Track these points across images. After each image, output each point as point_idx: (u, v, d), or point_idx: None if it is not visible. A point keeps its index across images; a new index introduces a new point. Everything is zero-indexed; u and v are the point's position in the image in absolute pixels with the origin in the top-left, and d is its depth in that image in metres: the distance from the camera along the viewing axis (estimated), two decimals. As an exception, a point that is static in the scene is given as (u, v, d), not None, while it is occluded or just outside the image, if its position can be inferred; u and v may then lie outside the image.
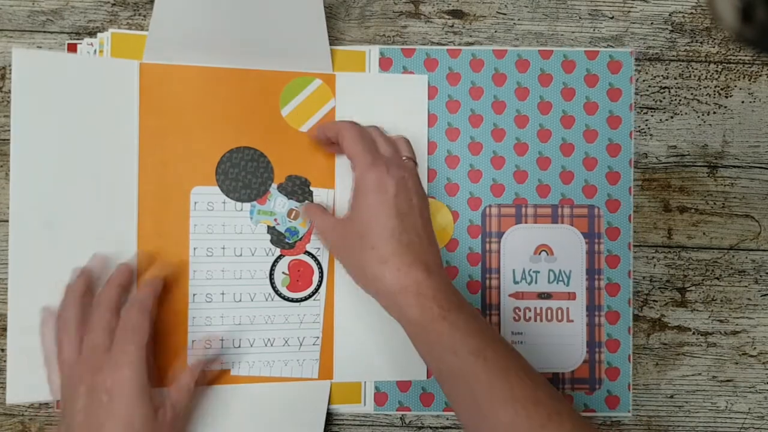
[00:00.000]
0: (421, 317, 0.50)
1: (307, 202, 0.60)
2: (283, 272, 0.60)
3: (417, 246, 0.52)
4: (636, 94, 0.62)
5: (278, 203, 0.60)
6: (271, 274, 0.60)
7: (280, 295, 0.60)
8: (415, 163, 0.58)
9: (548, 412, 0.46)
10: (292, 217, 0.60)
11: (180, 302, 0.59)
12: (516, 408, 0.46)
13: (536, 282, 0.61)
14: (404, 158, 0.57)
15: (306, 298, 0.60)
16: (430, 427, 0.61)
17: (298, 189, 0.60)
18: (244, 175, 0.59)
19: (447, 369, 0.49)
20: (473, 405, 0.48)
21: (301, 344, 0.60)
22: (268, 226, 0.60)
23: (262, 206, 0.60)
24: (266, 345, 0.60)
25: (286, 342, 0.60)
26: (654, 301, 0.62)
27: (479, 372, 0.48)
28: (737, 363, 0.62)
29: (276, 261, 0.60)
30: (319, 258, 0.60)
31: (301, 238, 0.60)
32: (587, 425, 0.48)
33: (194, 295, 0.59)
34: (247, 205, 0.60)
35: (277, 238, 0.60)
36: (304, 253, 0.60)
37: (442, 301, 0.50)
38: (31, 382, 0.55)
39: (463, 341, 0.48)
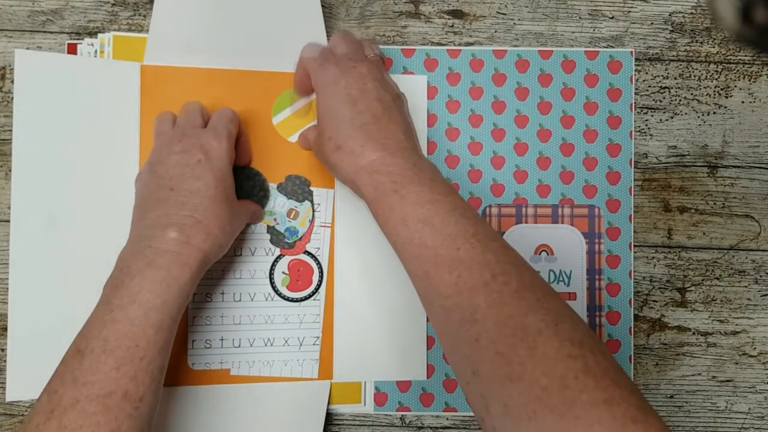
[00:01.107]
0: (375, 193, 0.50)
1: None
2: (283, 272, 0.60)
3: (371, 127, 0.53)
4: (636, 94, 0.62)
5: (278, 203, 0.60)
6: (271, 274, 0.60)
7: (280, 294, 0.60)
8: (382, 59, 0.59)
9: (493, 272, 0.45)
10: (291, 216, 0.60)
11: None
12: (460, 270, 0.46)
13: (536, 282, 0.61)
14: (370, 55, 0.57)
15: (306, 298, 0.60)
16: (430, 428, 0.61)
17: (298, 189, 0.60)
18: (240, 194, 0.59)
19: (400, 241, 0.49)
20: (423, 273, 0.48)
21: (301, 344, 0.60)
22: (268, 226, 0.60)
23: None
24: (266, 345, 0.60)
25: (286, 342, 0.60)
26: (654, 301, 0.62)
27: (426, 238, 0.47)
28: (737, 363, 0.62)
29: (276, 261, 0.60)
30: (319, 258, 0.60)
31: (301, 238, 0.60)
32: (534, 283, 0.46)
33: (194, 294, 0.59)
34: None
35: (276, 237, 0.60)
36: (304, 253, 0.60)
37: (396, 176, 0.50)
38: (31, 380, 0.56)
39: (412, 211, 0.48)
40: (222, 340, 0.59)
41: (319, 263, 0.60)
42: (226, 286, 0.59)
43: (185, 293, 0.49)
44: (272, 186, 0.60)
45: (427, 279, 0.47)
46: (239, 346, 0.59)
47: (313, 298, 0.60)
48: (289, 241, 0.60)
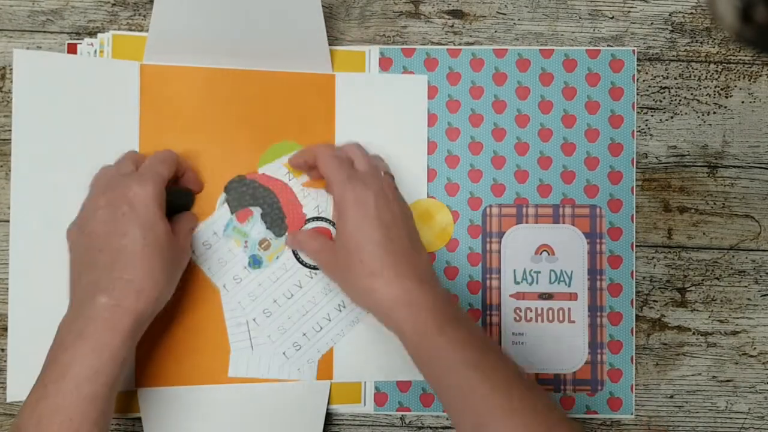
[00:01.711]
0: (415, 330, 0.50)
1: (288, 233, 0.60)
2: None
3: (405, 255, 0.52)
4: (636, 93, 0.62)
5: (256, 228, 0.60)
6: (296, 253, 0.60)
7: (306, 265, 0.60)
8: (393, 178, 0.58)
9: (548, 422, 0.47)
10: (262, 246, 0.60)
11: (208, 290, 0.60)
12: (515, 420, 0.46)
13: (537, 282, 0.61)
14: (382, 173, 0.57)
15: None
16: (430, 428, 0.61)
17: (279, 221, 0.60)
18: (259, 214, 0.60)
19: (445, 383, 0.49)
20: (473, 418, 0.48)
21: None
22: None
23: (241, 225, 0.60)
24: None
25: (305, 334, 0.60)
26: (654, 301, 0.62)
27: (477, 385, 0.48)
28: (737, 363, 0.62)
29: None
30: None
31: (262, 268, 0.60)
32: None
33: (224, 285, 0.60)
34: (226, 213, 0.60)
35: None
36: (321, 220, 0.60)
37: (437, 313, 0.50)
38: (32, 381, 0.55)
39: (460, 355, 0.48)
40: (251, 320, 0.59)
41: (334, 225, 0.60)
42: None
43: (119, 360, 0.48)
44: (257, 210, 0.60)
45: (478, 426, 0.48)
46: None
47: None
48: (249, 266, 0.60)
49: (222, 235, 0.59)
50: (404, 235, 0.53)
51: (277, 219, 0.60)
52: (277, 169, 0.60)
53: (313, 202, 0.60)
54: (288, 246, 0.59)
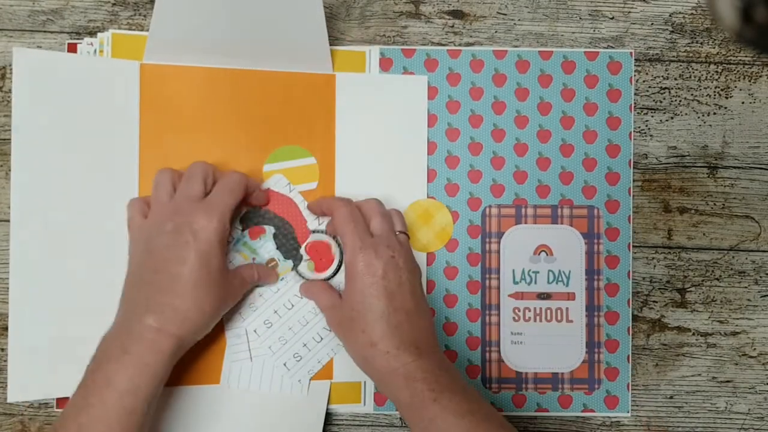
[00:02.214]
0: (411, 401, 0.51)
1: (304, 281, 0.60)
2: (305, 260, 0.60)
3: (406, 326, 0.53)
4: (636, 94, 0.62)
5: (266, 247, 0.60)
6: (296, 268, 0.60)
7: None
8: (408, 237, 0.58)
9: None
10: (269, 265, 0.60)
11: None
12: None
13: (536, 282, 0.61)
14: (397, 233, 0.57)
15: (335, 273, 0.60)
16: (430, 428, 0.61)
17: (288, 243, 0.60)
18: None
19: None
20: None
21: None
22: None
23: (252, 241, 0.60)
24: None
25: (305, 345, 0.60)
26: (654, 301, 0.62)
27: None
28: (737, 364, 0.62)
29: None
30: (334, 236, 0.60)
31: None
32: None
33: None
34: (237, 228, 0.60)
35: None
36: (319, 233, 0.60)
37: (433, 384, 0.51)
38: (32, 381, 0.56)
39: (455, 423, 0.49)
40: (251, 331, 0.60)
41: (335, 239, 0.60)
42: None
43: (159, 378, 0.50)
44: (270, 229, 0.60)
45: None
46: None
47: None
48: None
49: (230, 249, 0.59)
50: (408, 302, 0.54)
51: (289, 243, 0.60)
52: (277, 182, 0.60)
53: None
54: (301, 293, 0.60)
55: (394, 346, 0.52)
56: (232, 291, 0.55)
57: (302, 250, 0.60)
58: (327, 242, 0.60)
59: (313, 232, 0.60)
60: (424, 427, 0.50)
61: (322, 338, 0.60)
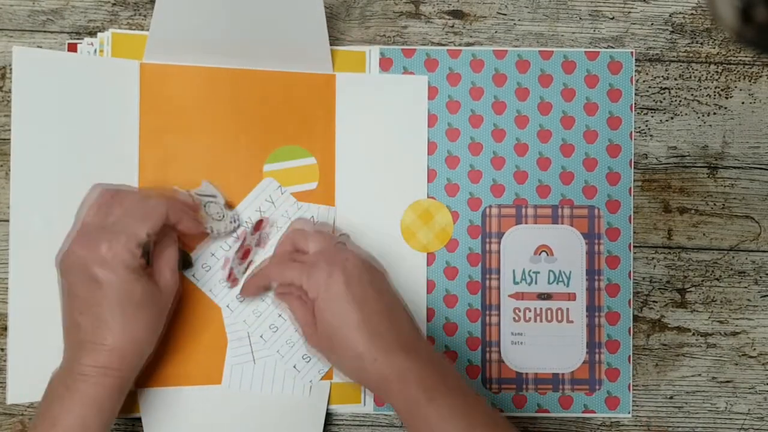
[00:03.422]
0: (407, 404, 0.50)
1: (279, 295, 0.57)
2: None
3: (387, 328, 0.52)
4: (636, 94, 0.62)
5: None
6: None
7: None
8: (348, 236, 0.58)
9: None
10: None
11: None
12: None
13: (536, 282, 0.61)
14: (336, 243, 0.55)
15: None
16: (430, 428, 0.61)
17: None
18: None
19: None
20: None
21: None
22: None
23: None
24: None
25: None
26: (654, 301, 0.62)
27: None
28: (737, 364, 0.62)
29: None
30: None
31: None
32: None
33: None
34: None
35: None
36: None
37: (426, 382, 0.50)
38: (32, 382, 0.56)
39: (450, 424, 0.49)
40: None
41: None
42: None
43: (107, 410, 0.50)
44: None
45: None
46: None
47: None
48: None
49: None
50: (381, 306, 0.52)
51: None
52: (268, 185, 0.60)
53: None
54: (276, 299, 0.58)
55: (382, 352, 0.50)
56: (161, 304, 0.54)
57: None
58: None
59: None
60: (420, 428, 0.50)
61: None
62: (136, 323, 0.51)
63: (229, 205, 0.59)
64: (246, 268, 0.59)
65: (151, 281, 0.52)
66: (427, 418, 0.49)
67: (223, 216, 0.59)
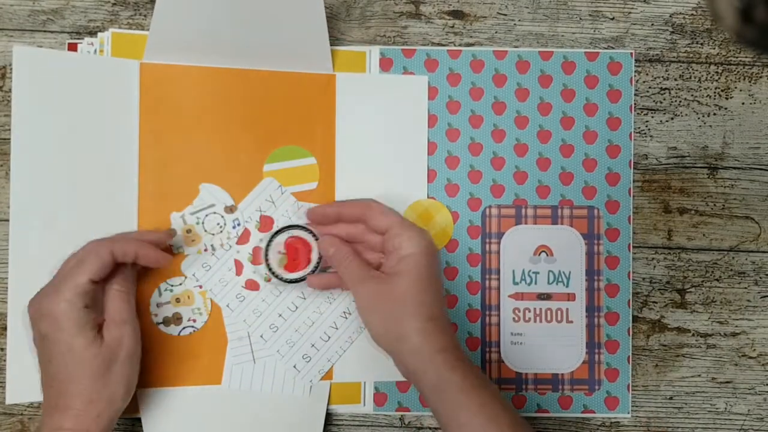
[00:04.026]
0: (457, 381, 0.50)
1: (329, 239, 0.57)
2: (279, 252, 0.59)
3: (446, 317, 0.54)
4: (636, 95, 0.62)
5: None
6: (267, 255, 0.59)
7: (276, 275, 0.59)
8: None
9: None
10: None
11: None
12: None
13: (536, 283, 0.61)
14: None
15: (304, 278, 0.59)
16: (430, 428, 0.61)
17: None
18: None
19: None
20: None
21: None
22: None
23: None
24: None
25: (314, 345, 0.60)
26: (654, 302, 0.62)
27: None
28: (737, 364, 0.62)
29: (270, 240, 0.59)
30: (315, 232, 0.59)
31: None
32: None
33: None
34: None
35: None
36: (300, 228, 0.59)
37: (475, 371, 0.52)
38: (31, 381, 0.56)
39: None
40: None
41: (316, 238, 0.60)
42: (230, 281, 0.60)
43: None
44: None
45: None
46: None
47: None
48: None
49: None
50: (444, 298, 0.56)
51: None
52: (268, 185, 0.60)
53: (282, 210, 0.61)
54: (325, 252, 0.57)
55: (449, 327, 0.53)
56: (109, 360, 0.51)
57: (278, 242, 0.59)
58: (307, 240, 0.59)
59: (291, 227, 0.59)
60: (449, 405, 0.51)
61: (329, 337, 0.60)
62: (101, 380, 0.50)
63: (231, 209, 0.59)
64: (270, 270, 0.59)
65: (99, 335, 0.51)
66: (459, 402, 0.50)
67: (224, 225, 0.59)
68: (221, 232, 0.59)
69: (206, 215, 0.59)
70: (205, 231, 0.59)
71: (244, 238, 0.60)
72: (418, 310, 0.52)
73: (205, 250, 0.59)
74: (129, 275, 0.54)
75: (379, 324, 0.53)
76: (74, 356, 0.49)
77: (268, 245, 0.58)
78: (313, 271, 0.59)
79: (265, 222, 0.60)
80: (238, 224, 0.59)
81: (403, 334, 0.52)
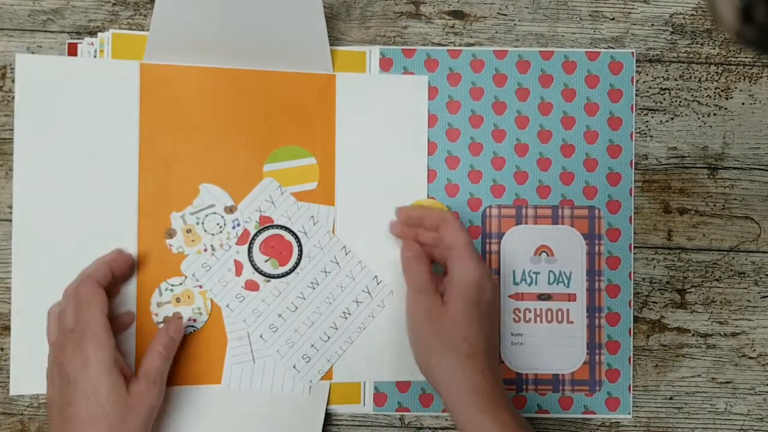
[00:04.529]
0: (487, 426, 0.51)
1: (407, 244, 0.57)
2: (264, 260, 0.59)
3: (496, 351, 0.55)
4: (636, 95, 0.62)
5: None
6: (251, 259, 0.60)
7: (264, 274, 0.59)
8: None
9: None
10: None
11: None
12: None
13: (536, 283, 0.61)
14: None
15: (294, 268, 0.60)
16: (429, 428, 0.61)
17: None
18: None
19: None
20: None
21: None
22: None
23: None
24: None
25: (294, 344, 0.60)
26: (654, 302, 0.62)
27: None
28: (737, 365, 0.62)
29: (251, 246, 0.59)
30: (295, 231, 0.60)
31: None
32: None
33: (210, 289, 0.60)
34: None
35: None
36: (277, 227, 0.60)
37: (505, 416, 0.52)
38: (34, 377, 0.56)
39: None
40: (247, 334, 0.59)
41: (295, 236, 0.60)
42: (230, 282, 0.60)
43: None
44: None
45: None
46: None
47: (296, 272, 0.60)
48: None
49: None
50: (498, 332, 0.57)
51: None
52: (268, 184, 0.60)
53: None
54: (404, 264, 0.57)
55: (488, 367, 0.53)
56: (142, 391, 0.53)
57: (255, 250, 0.59)
58: (281, 234, 0.59)
59: (272, 227, 0.60)
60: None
61: (329, 337, 0.60)
62: (108, 429, 0.50)
63: (231, 209, 0.59)
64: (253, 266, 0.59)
65: (125, 382, 0.52)
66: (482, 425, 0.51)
67: (224, 225, 0.59)
68: (221, 232, 0.59)
69: (206, 215, 0.59)
70: (205, 231, 0.59)
71: (243, 238, 0.60)
72: (460, 345, 0.52)
73: (205, 250, 0.59)
74: (175, 340, 0.56)
75: (421, 344, 0.54)
76: (98, 399, 0.50)
77: (252, 242, 0.59)
78: (293, 268, 0.59)
79: (264, 222, 0.60)
80: (238, 224, 0.59)
81: (439, 365, 0.53)
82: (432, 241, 0.56)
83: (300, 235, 0.60)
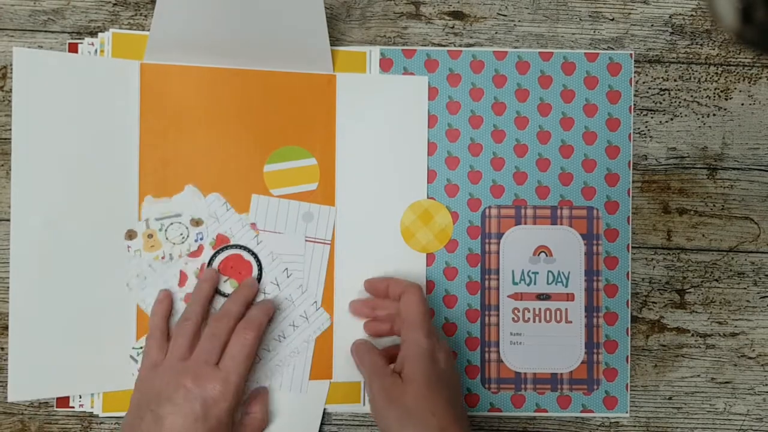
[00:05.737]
0: None
1: (358, 340, 0.59)
2: (223, 280, 0.60)
3: (464, 416, 0.53)
4: (636, 95, 0.62)
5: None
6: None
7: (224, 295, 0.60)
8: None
9: None
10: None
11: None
12: None
13: (535, 283, 0.61)
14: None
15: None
16: (429, 428, 0.61)
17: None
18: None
19: None
20: None
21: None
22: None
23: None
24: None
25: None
26: (653, 302, 0.62)
27: None
28: (736, 365, 0.62)
29: (213, 258, 0.60)
30: (252, 249, 0.60)
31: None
32: None
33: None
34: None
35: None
36: (236, 247, 0.60)
37: None
38: (33, 380, 0.56)
39: None
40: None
41: (254, 254, 0.60)
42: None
43: None
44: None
45: None
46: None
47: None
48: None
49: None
50: (460, 396, 0.56)
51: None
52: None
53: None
54: (353, 354, 0.59)
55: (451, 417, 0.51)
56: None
57: (219, 260, 0.60)
58: (239, 254, 0.60)
59: (231, 247, 0.60)
60: None
61: (260, 359, 0.59)
62: None
63: (197, 222, 0.59)
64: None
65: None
66: None
67: (187, 237, 0.59)
68: (182, 243, 0.59)
69: (171, 223, 0.59)
70: (167, 239, 0.59)
71: (197, 252, 0.60)
72: (429, 420, 0.51)
73: (163, 257, 0.59)
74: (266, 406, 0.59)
75: (390, 426, 0.52)
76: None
77: (210, 262, 0.59)
78: (259, 278, 0.60)
79: (221, 240, 0.60)
80: (201, 238, 0.59)
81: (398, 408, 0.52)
82: (392, 313, 0.58)
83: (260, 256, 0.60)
